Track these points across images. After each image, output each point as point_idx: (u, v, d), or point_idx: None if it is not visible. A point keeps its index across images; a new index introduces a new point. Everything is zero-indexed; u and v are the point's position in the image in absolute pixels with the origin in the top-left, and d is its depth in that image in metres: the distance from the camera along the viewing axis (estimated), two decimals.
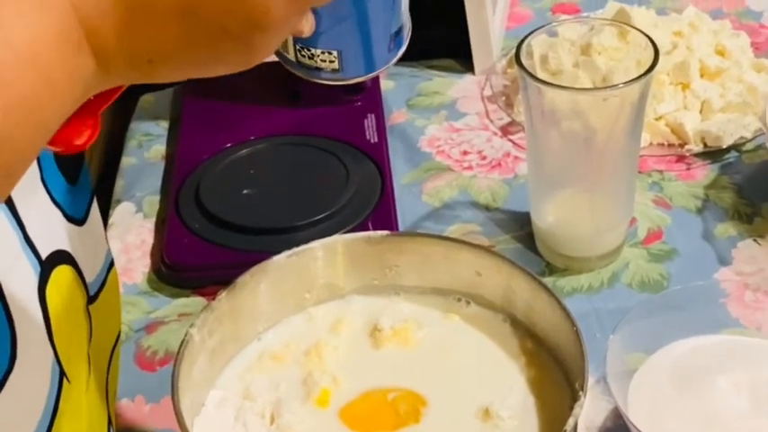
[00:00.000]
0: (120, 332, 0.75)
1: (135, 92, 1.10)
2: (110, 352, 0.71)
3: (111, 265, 0.71)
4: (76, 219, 0.64)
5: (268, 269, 0.66)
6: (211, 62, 0.46)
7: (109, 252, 0.71)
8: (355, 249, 0.68)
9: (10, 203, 0.55)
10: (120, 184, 1.00)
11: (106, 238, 0.73)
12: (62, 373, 0.58)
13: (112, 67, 0.44)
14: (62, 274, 0.59)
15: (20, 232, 0.55)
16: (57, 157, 0.61)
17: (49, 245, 0.59)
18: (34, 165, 0.59)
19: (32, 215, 0.57)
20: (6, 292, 0.53)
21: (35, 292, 0.56)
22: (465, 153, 0.99)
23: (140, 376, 0.80)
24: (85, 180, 0.66)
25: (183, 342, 0.61)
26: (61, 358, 0.57)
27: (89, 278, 0.64)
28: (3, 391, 0.52)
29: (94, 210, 0.68)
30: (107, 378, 0.69)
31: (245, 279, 0.65)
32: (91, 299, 0.65)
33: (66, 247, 0.61)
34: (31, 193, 0.59)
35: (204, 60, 0.46)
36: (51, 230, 0.60)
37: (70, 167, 0.63)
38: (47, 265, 0.57)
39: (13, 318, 0.53)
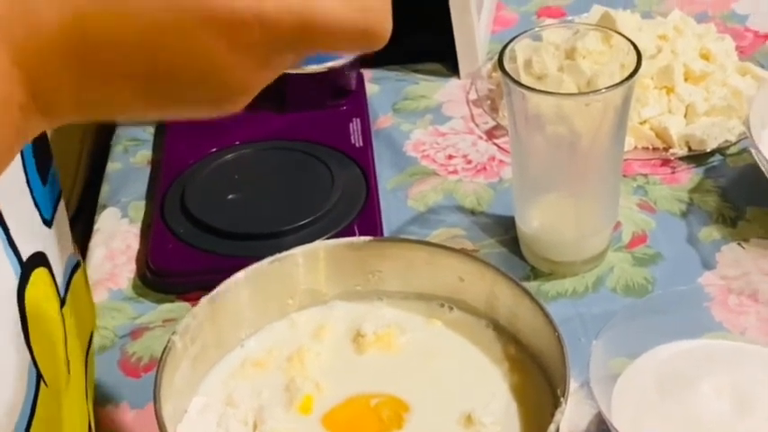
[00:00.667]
0: (92, 336, 0.74)
1: None
2: (84, 356, 0.70)
3: (77, 267, 0.70)
4: (48, 220, 0.63)
5: (250, 275, 0.65)
6: (174, 115, 0.43)
7: (73, 254, 0.70)
8: (337, 255, 0.68)
9: None
10: (105, 189, 1.00)
11: (73, 240, 0.72)
12: (39, 377, 0.57)
13: (63, 116, 0.42)
14: (39, 276, 0.59)
15: (3, 235, 0.55)
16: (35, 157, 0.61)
17: (30, 247, 0.58)
18: (19, 166, 0.59)
19: (16, 217, 0.56)
20: None
21: (14, 295, 0.55)
22: (450, 157, 0.99)
23: (125, 382, 0.80)
24: (54, 180, 0.65)
25: (165, 349, 0.60)
26: (38, 362, 0.57)
27: (58, 281, 0.64)
28: None
29: (61, 210, 0.67)
30: (86, 382, 0.69)
31: (228, 285, 0.64)
32: (62, 302, 0.65)
33: (43, 248, 0.61)
34: (18, 195, 0.58)
35: (166, 114, 0.43)
36: (32, 232, 0.59)
37: (42, 167, 0.63)
38: (27, 268, 0.57)
39: None
